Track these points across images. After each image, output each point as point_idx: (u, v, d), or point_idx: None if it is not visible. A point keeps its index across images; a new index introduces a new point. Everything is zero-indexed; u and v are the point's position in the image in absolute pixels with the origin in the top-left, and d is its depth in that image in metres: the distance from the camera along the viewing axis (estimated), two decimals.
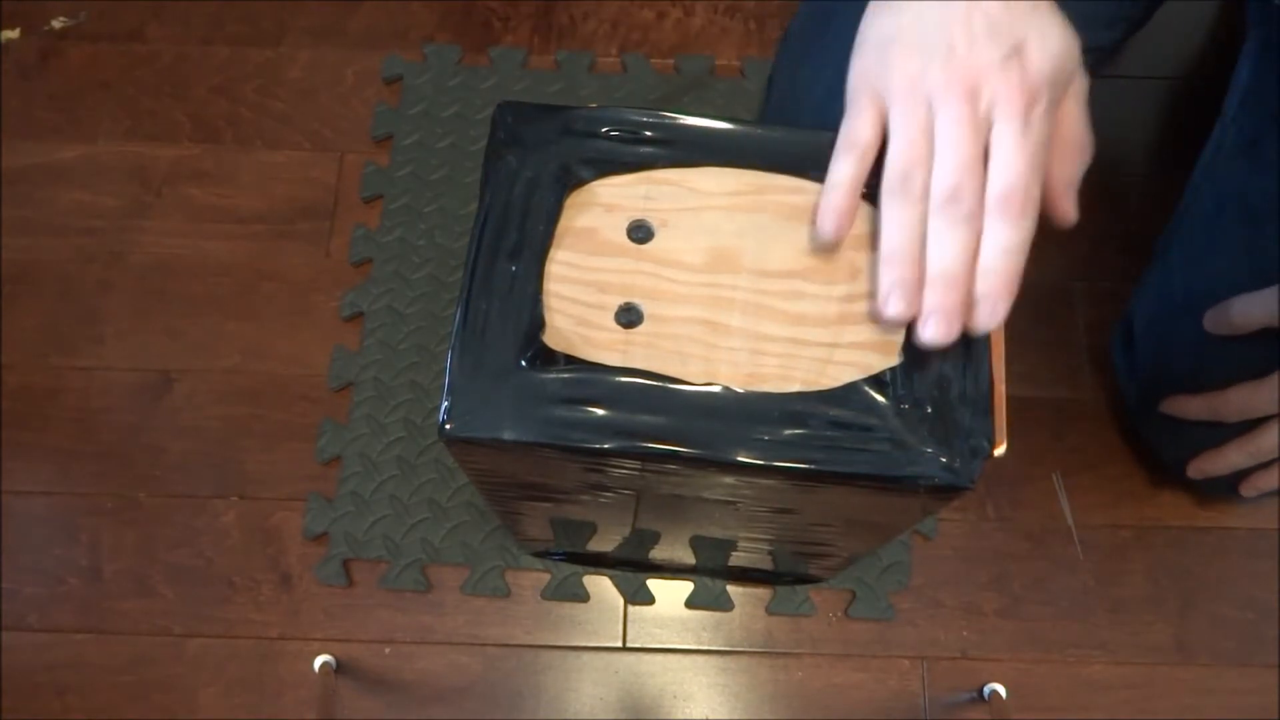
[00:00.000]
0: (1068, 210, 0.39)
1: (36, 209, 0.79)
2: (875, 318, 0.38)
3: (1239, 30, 0.62)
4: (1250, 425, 0.56)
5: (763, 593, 0.68)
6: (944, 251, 0.35)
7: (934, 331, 0.36)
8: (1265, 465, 0.57)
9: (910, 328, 0.37)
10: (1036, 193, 0.35)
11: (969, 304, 0.36)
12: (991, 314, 0.36)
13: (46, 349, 0.75)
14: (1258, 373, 0.53)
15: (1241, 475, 0.59)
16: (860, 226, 0.41)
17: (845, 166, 0.38)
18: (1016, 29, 0.36)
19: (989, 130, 0.35)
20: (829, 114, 0.58)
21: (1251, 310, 0.52)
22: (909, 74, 0.36)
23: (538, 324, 0.38)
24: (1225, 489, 0.61)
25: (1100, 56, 0.63)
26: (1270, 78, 0.57)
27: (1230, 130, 0.60)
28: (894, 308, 0.36)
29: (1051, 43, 0.36)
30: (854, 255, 0.40)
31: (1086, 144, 0.39)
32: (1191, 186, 0.63)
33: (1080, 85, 0.39)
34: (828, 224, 0.38)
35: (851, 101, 0.39)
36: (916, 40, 0.36)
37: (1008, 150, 0.35)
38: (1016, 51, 0.35)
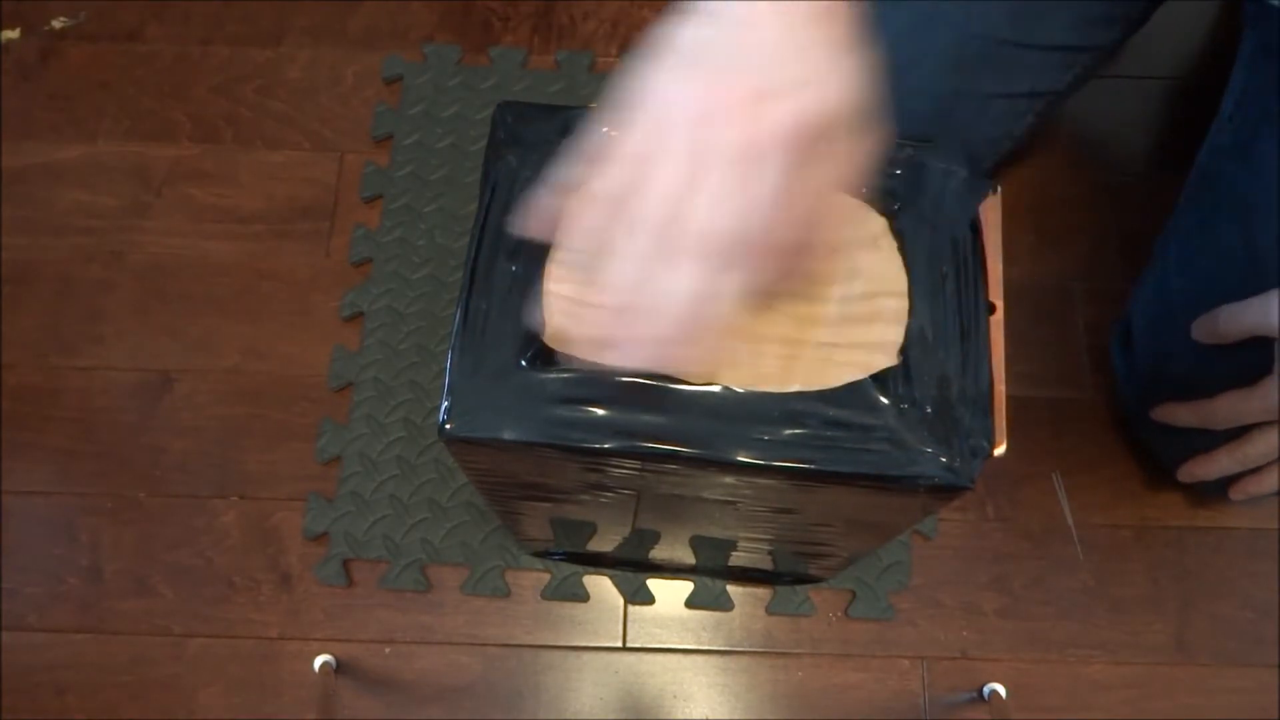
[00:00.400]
0: (795, 270, 0.36)
1: (36, 209, 0.79)
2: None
3: (1238, 31, 0.62)
4: (1240, 430, 0.56)
5: (763, 593, 0.68)
6: (645, 282, 0.33)
7: (623, 357, 0.35)
8: (1255, 470, 0.58)
9: (914, 339, 0.37)
10: (747, 245, 0.32)
11: (653, 334, 0.34)
12: (683, 356, 0.35)
13: (46, 349, 0.75)
14: (1254, 374, 0.53)
15: (1232, 479, 0.59)
16: (858, 226, 0.41)
17: (576, 172, 0.36)
18: (801, 67, 0.32)
19: (726, 165, 0.32)
20: None
21: (1238, 319, 0.52)
22: (664, 87, 0.33)
23: (538, 324, 0.38)
24: (1218, 490, 0.61)
25: (1100, 56, 0.63)
26: (1266, 78, 0.57)
27: (1226, 131, 0.60)
28: (595, 328, 0.35)
29: (834, 90, 0.32)
30: (854, 255, 0.40)
31: (826, 216, 0.35)
32: (1188, 187, 0.63)
33: (859, 150, 0.35)
34: (528, 221, 0.37)
35: (613, 107, 0.36)
36: (690, 54, 0.33)
37: (720, 196, 0.32)
38: (788, 88, 0.31)
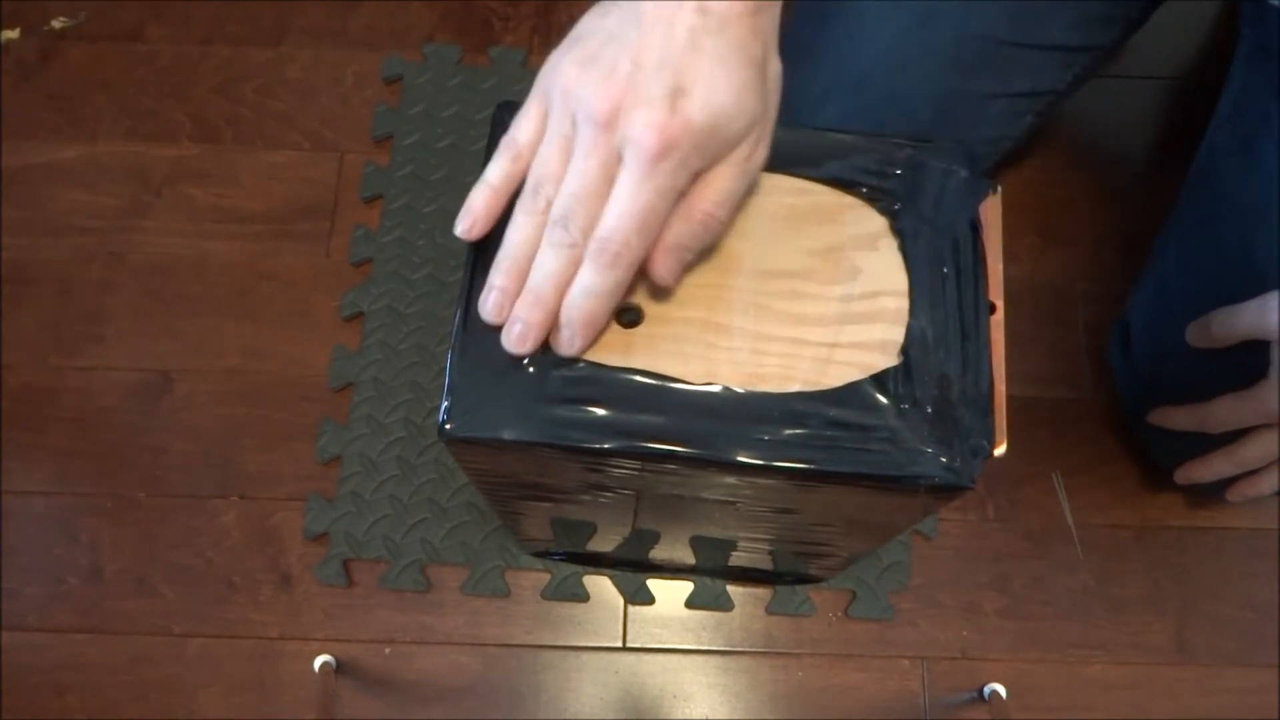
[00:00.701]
0: (664, 271, 0.36)
1: (36, 209, 0.79)
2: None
3: (1236, 31, 0.62)
4: (1238, 432, 0.56)
5: (763, 593, 0.68)
6: (540, 270, 0.35)
7: (510, 339, 0.36)
8: (1253, 472, 0.57)
9: (914, 339, 0.37)
10: (637, 245, 0.33)
11: (556, 324, 0.36)
12: (569, 342, 0.36)
13: (46, 349, 0.75)
14: (1251, 376, 0.53)
15: (1229, 480, 0.59)
16: (858, 226, 0.41)
17: (497, 166, 0.37)
18: (694, 71, 0.32)
19: (618, 165, 0.33)
20: (822, 119, 0.59)
21: (1232, 324, 0.52)
22: (569, 82, 0.33)
23: None
24: (1216, 491, 0.61)
25: (1100, 56, 0.63)
26: (1264, 79, 0.57)
27: (1224, 131, 0.60)
28: (486, 311, 0.36)
29: (722, 99, 0.32)
30: (854, 255, 0.40)
31: (717, 221, 0.36)
32: (1186, 188, 0.63)
33: (750, 158, 0.35)
34: (462, 223, 0.38)
35: (529, 97, 0.36)
36: (594, 49, 0.33)
37: (618, 195, 0.33)
38: (678, 93, 0.32)
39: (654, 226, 0.34)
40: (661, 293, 0.39)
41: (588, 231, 0.34)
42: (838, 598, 0.68)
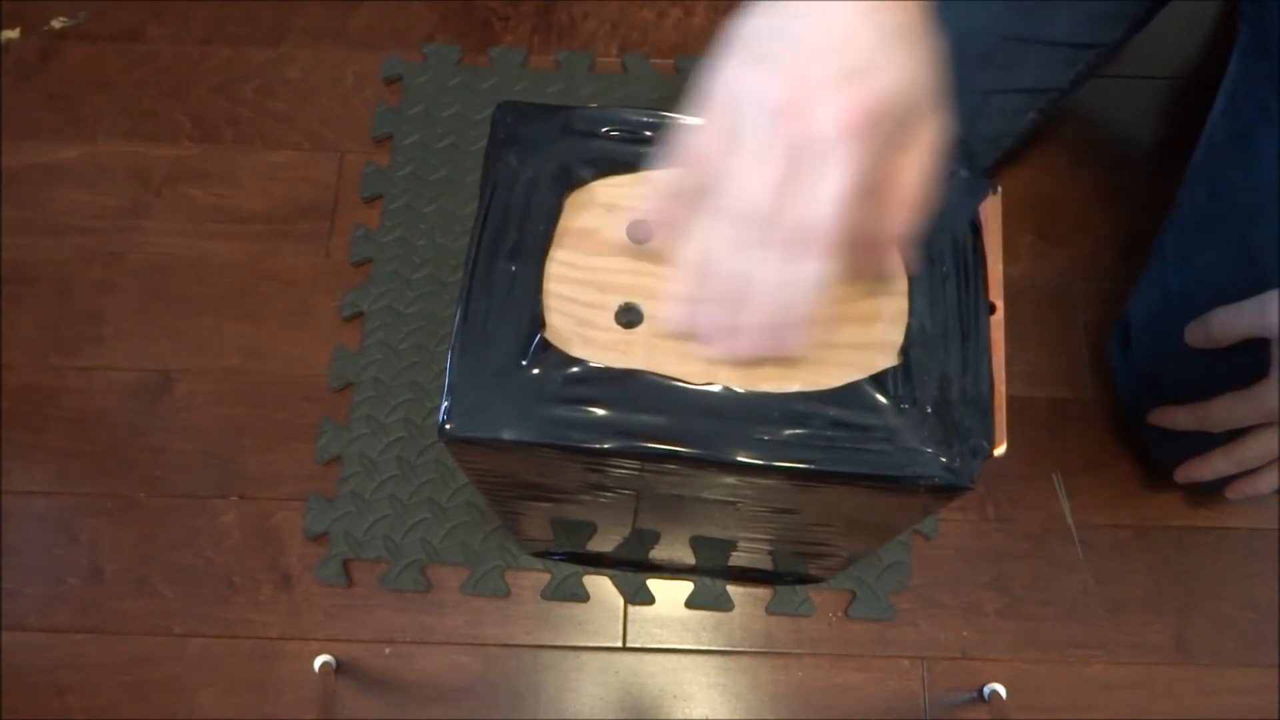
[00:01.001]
0: (877, 265, 0.36)
1: (36, 209, 0.79)
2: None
3: (1235, 29, 0.62)
4: (1237, 431, 0.56)
5: (763, 593, 0.68)
6: (743, 273, 0.34)
7: (736, 348, 0.35)
8: (1252, 470, 0.57)
9: (914, 339, 0.37)
10: (837, 232, 0.32)
11: (755, 327, 0.35)
12: (787, 343, 0.35)
13: (46, 349, 0.75)
14: (1251, 375, 0.53)
15: (1229, 479, 0.59)
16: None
17: (672, 177, 0.36)
18: (868, 51, 0.32)
19: (806, 152, 0.32)
20: None
21: (1232, 323, 0.52)
22: (743, 83, 0.33)
23: (537, 324, 0.38)
24: (1216, 489, 0.61)
25: (1103, 54, 0.63)
26: (1262, 75, 0.57)
27: (1221, 128, 0.60)
28: (692, 327, 0.36)
29: (906, 73, 0.32)
30: (854, 255, 0.40)
31: (919, 200, 0.35)
32: (1185, 184, 0.63)
33: (934, 134, 0.35)
34: (652, 232, 0.37)
35: (695, 102, 0.36)
36: (760, 47, 0.33)
37: (813, 185, 0.31)
38: (860, 72, 0.31)
39: (843, 212, 0.32)
40: (662, 293, 0.39)
41: (784, 226, 0.32)
42: (838, 598, 0.68)
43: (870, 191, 0.33)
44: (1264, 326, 0.50)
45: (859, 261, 0.36)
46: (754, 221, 0.32)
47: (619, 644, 0.67)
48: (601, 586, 0.68)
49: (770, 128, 0.32)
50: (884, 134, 0.32)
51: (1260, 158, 0.56)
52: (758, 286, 0.33)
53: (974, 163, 0.42)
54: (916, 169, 0.35)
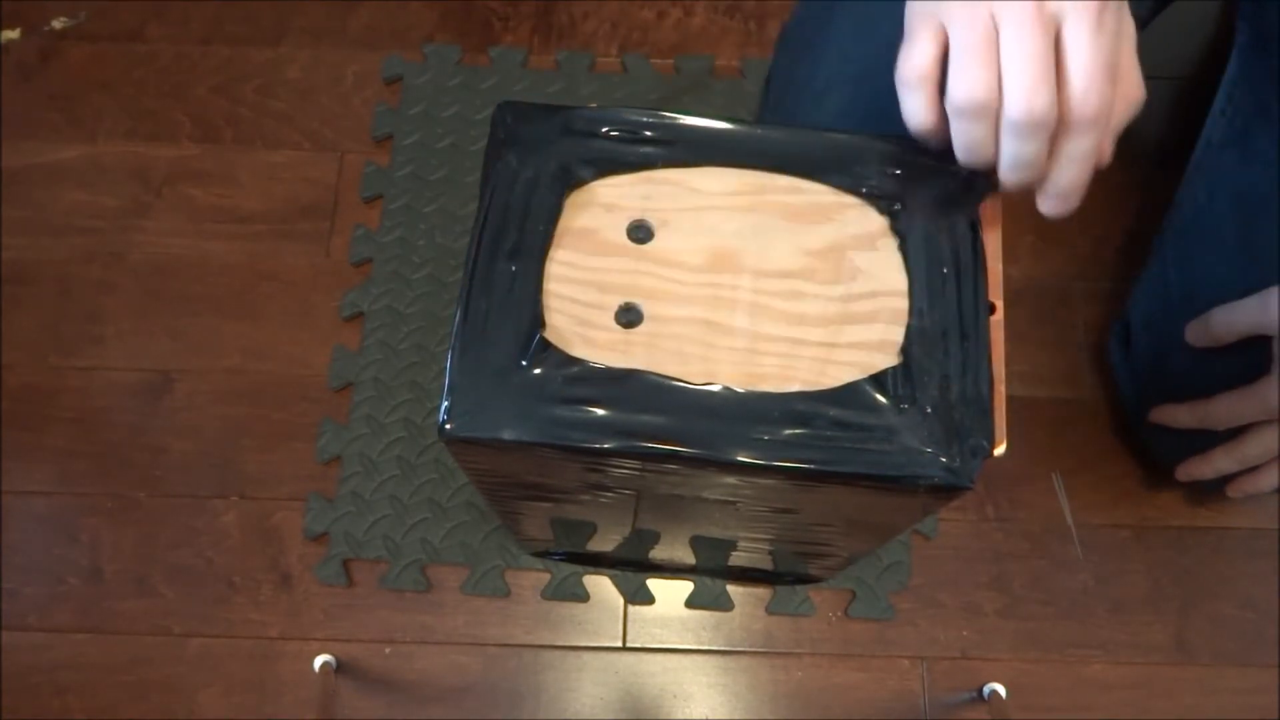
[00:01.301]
0: (1106, 154, 0.38)
1: (36, 209, 0.79)
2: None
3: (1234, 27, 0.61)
4: (1239, 428, 0.56)
5: (763, 592, 0.68)
6: (1018, 169, 0.35)
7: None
8: (1253, 468, 0.57)
9: (914, 339, 0.37)
10: (1111, 96, 0.35)
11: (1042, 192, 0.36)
12: (1064, 209, 0.37)
13: (46, 349, 0.75)
14: (1252, 372, 0.53)
15: (1230, 476, 0.59)
16: (858, 226, 0.41)
17: (917, 100, 0.37)
18: None
19: (1057, 34, 0.34)
20: (824, 111, 0.59)
21: (1232, 320, 0.52)
22: None
23: (538, 324, 0.38)
24: (1217, 488, 0.61)
25: None
26: (1261, 72, 0.57)
27: (1220, 124, 0.60)
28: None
29: None
30: (854, 255, 0.40)
31: (1139, 89, 0.38)
32: (1185, 183, 0.63)
33: (1133, 31, 0.37)
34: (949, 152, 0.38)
35: (909, 32, 0.37)
36: None
37: (1080, 54, 0.34)
38: None
39: (1114, 73, 0.34)
40: (661, 293, 0.39)
41: (1054, 112, 0.34)
42: (838, 598, 0.68)
43: (1119, 49, 0.35)
44: (1264, 324, 0.50)
45: (1103, 145, 0.38)
46: (1030, 116, 0.34)
47: (619, 644, 0.67)
48: (601, 586, 0.68)
49: (1021, 14, 0.33)
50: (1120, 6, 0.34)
51: (1259, 156, 0.56)
52: (1039, 174, 0.36)
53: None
54: (1132, 62, 0.37)
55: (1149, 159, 0.81)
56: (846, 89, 0.59)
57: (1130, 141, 0.84)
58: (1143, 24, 0.62)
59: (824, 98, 0.59)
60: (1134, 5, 0.60)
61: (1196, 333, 0.55)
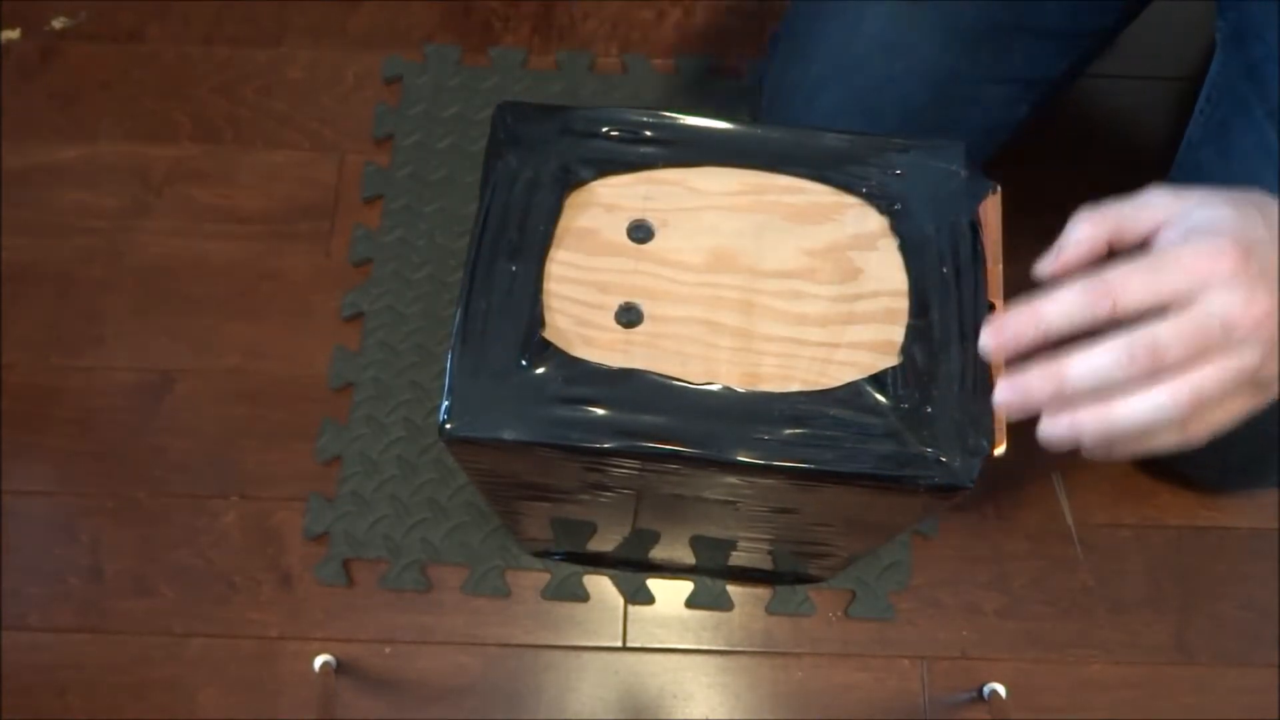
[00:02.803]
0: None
1: (36, 209, 0.79)
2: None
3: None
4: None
5: (763, 592, 0.68)
6: (1096, 375, 0.35)
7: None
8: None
9: (914, 339, 0.37)
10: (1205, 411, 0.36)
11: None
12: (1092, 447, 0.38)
13: (46, 349, 0.75)
14: None
15: (1226, 474, 0.58)
16: (858, 226, 0.41)
17: (1086, 226, 0.41)
18: None
19: (1219, 348, 0.35)
20: (816, 111, 0.59)
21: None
22: (1217, 271, 0.35)
23: (538, 324, 0.38)
24: (1214, 482, 0.61)
25: (1095, 44, 0.62)
26: (1237, 64, 0.56)
27: (1199, 121, 0.60)
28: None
29: None
30: (854, 255, 0.40)
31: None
32: (1168, 181, 0.63)
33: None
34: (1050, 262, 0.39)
35: (1182, 193, 0.40)
36: (1260, 253, 0.35)
37: (1215, 371, 0.35)
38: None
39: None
40: (662, 293, 0.39)
41: (1165, 370, 0.34)
42: (838, 597, 0.68)
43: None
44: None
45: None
46: (1153, 354, 0.34)
47: (619, 644, 0.67)
48: (601, 586, 0.68)
49: (1220, 330, 0.34)
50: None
51: (1237, 147, 0.55)
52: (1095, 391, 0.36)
53: (971, 154, 0.42)
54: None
55: (1149, 159, 0.81)
56: (839, 84, 0.59)
57: (1127, 143, 0.85)
58: (1132, 14, 0.62)
59: (817, 95, 0.59)
60: (1099, 17, 0.60)
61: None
